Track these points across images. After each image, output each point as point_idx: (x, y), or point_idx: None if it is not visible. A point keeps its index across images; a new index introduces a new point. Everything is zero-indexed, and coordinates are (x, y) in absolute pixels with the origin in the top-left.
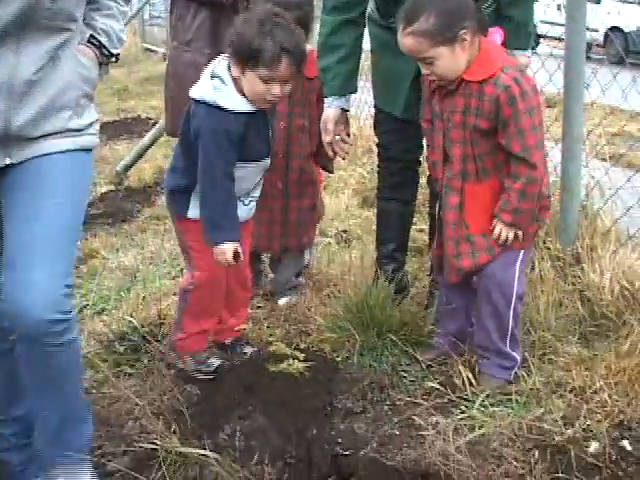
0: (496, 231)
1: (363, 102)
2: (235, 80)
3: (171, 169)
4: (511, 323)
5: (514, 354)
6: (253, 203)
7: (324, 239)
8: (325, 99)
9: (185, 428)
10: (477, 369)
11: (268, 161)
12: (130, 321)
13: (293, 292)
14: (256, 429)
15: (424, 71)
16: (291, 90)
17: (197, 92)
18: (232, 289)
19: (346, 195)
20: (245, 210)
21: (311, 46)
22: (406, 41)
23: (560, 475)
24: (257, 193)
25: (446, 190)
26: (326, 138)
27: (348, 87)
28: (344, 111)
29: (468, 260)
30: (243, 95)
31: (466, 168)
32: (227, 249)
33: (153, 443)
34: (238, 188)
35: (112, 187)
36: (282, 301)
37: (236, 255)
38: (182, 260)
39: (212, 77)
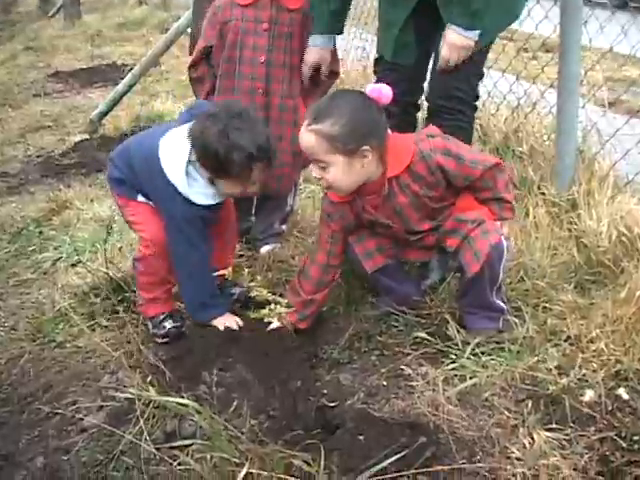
0: (505, 231)
1: (350, 47)
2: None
3: (116, 179)
4: (501, 275)
5: (500, 303)
6: None
7: (309, 186)
8: (310, 37)
9: (163, 380)
10: (464, 325)
11: None
12: (106, 273)
13: (276, 240)
14: (238, 381)
15: (315, 174)
16: (273, 21)
17: (172, 176)
18: (225, 238)
19: None
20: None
21: None
22: (306, 137)
23: (554, 426)
24: None
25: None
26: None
27: (333, 27)
28: (327, 49)
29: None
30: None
31: (439, 225)
32: (224, 322)
33: (130, 394)
34: None
35: (86, 136)
36: (264, 249)
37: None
38: None
39: (186, 174)
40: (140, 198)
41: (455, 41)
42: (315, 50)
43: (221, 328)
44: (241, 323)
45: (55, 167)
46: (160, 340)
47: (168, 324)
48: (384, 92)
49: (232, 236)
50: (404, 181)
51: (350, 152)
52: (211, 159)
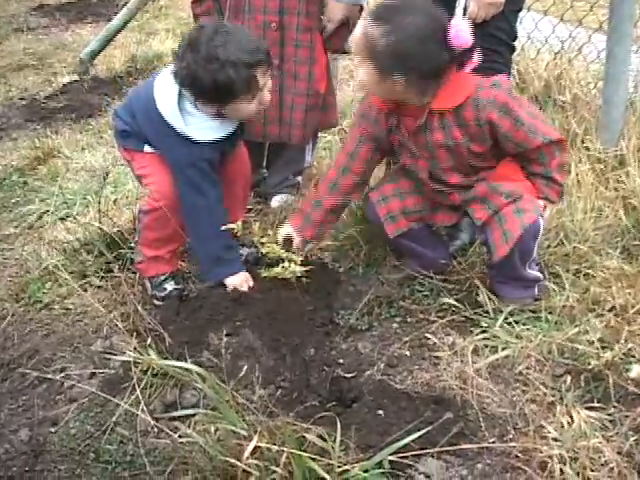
0: (547, 215)
1: None
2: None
3: (121, 132)
4: (535, 252)
5: (534, 272)
6: None
7: (325, 136)
8: None
9: (163, 346)
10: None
11: None
12: (99, 227)
13: (289, 192)
14: (245, 347)
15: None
16: None
17: (167, 116)
18: (235, 192)
19: (351, 87)
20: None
21: None
22: (357, 29)
23: (595, 404)
24: None
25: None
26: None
27: None
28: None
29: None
30: (217, 116)
31: (470, 185)
32: (238, 282)
33: (126, 360)
34: None
35: (75, 77)
36: (275, 201)
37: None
38: None
39: (180, 110)
40: (147, 148)
41: None
42: (342, 7)
43: (229, 289)
44: (252, 284)
45: (41, 111)
46: (159, 303)
47: (169, 286)
48: (462, 35)
49: (244, 189)
50: (447, 121)
51: (382, 71)
52: (211, 91)
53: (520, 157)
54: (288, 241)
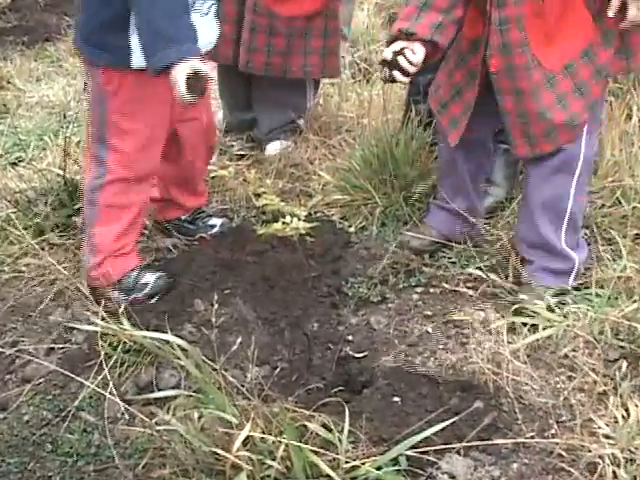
0: (633, 14)
1: None
2: None
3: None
4: (570, 205)
5: (569, 251)
6: (213, 8)
7: None
8: None
9: (139, 317)
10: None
11: None
12: (59, 174)
13: (287, 137)
14: (236, 320)
15: None
16: None
17: None
18: (192, 160)
19: (366, 12)
20: (205, 23)
21: None
22: None
23: None
24: None
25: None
26: None
27: None
28: None
29: (559, 113)
30: None
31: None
32: (183, 70)
33: (91, 332)
34: None
35: None
36: (271, 147)
37: (202, 79)
38: None
39: None
40: (134, 60)
41: None
42: None
43: (182, 92)
44: (212, 68)
45: None
46: (141, 298)
47: (150, 276)
48: None
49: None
50: None
51: None
52: None
53: None
54: (396, 61)
